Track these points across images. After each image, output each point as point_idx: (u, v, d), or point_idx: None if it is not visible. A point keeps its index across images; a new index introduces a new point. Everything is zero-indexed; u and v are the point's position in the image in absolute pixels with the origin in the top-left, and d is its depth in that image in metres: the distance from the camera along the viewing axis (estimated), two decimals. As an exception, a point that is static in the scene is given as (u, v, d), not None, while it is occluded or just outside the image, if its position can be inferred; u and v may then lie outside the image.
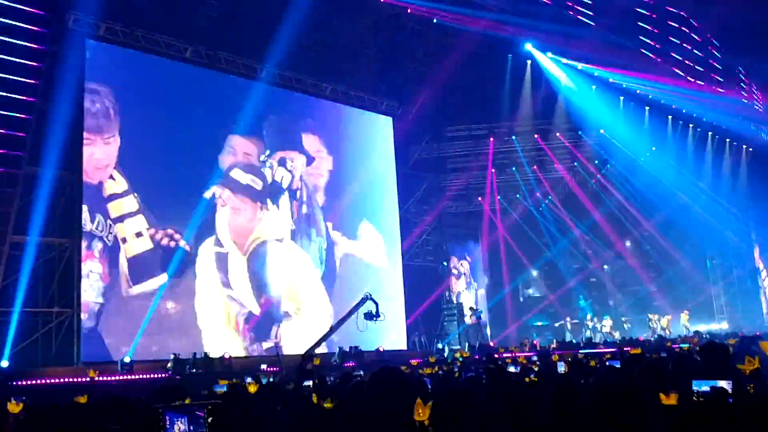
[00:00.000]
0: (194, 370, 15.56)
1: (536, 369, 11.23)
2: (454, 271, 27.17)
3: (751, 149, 33.45)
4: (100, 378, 13.48)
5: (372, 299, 15.09)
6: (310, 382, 10.68)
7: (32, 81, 15.80)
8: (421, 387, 6.51)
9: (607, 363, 11.65)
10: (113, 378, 14.16)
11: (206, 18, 18.90)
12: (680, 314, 27.68)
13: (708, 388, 5.80)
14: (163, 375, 14.98)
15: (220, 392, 10.29)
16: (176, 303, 17.73)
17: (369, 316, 14.83)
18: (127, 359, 15.33)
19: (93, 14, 16.64)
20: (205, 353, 16.54)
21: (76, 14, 16.49)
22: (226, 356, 16.93)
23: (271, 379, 12.33)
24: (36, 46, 16.01)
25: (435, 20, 22.54)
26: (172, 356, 15.73)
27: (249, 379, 12.33)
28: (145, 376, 14.67)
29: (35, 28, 16.04)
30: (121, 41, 17.55)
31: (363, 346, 18.79)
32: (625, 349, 15.87)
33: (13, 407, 6.21)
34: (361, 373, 12.54)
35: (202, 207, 18.37)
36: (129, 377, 14.58)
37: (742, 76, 33.09)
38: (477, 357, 18.01)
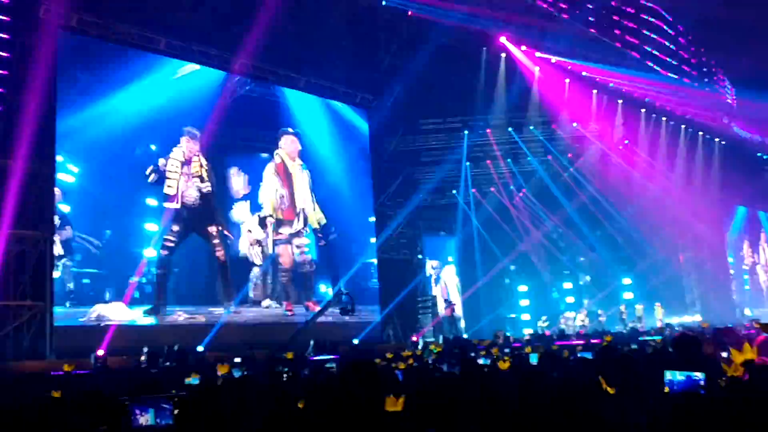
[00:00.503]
0: (168, 364, 15.66)
1: (508, 361, 11.52)
2: (429, 271, 27.46)
3: (723, 142, 34.02)
4: (74, 372, 13.55)
5: (347, 294, 15.33)
6: (284, 376, 10.90)
7: (1, 72, 15.78)
8: (391, 379, 6.73)
9: (579, 354, 12.01)
10: (86, 372, 14.23)
11: (179, 9, 18.89)
12: (653, 306, 28.19)
13: (683, 377, 5.99)
14: (137, 368, 15.08)
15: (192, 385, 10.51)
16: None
17: (344, 311, 15.07)
18: (100, 352, 15.39)
19: (64, 5, 16.61)
20: (179, 346, 16.63)
21: (47, 4, 16.46)
22: (200, 349, 17.06)
23: (245, 373, 12.51)
24: (5, 36, 15.99)
25: (409, 13, 22.72)
26: (145, 349, 15.81)
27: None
28: (118, 370, 14.77)
29: (4, 18, 16.01)
30: (94, 32, 17.55)
31: (337, 340, 18.99)
32: (591, 341, 16.23)
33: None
34: (334, 366, 12.77)
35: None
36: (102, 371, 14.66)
37: (715, 70, 33.66)
38: (451, 349, 18.30)
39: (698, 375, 5.89)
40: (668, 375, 6.03)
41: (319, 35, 22.14)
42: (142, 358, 15.63)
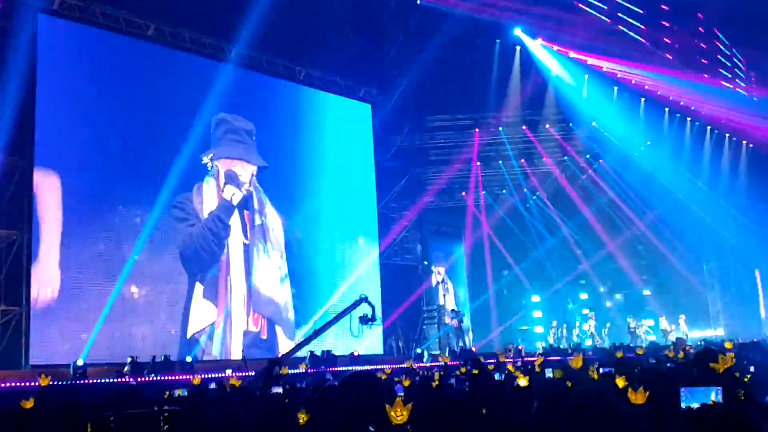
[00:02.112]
0: (153, 375, 15.41)
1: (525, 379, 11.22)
2: (442, 286, 27.22)
3: (751, 145, 33.73)
4: (52, 382, 13.26)
5: (368, 302, 14.95)
6: (280, 389, 10.62)
7: (-22, 59, 15.56)
8: (390, 394, 6.51)
9: (600, 370, 11.68)
10: (64, 383, 13.94)
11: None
12: (678, 319, 27.90)
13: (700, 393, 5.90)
14: (120, 380, 14.80)
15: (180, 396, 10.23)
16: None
17: (364, 319, 14.72)
18: (80, 362, 15.12)
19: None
20: (165, 356, 16.38)
21: (27, -14, 16.25)
22: (188, 360, 16.80)
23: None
24: (-17, 20, 15.78)
25: (418, 1, 22.48)
26: (129, 359, 15.56)
27: (213, 385, 12.26)
28: (99, 381, 14.49)
29: (-18, 1, 15.80)
30: (77, 17, 17.30)
31: (336, 351, 18.71)
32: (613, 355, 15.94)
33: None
34: (331, 378, 12.50)
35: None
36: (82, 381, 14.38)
37: (743, 67, 33.38)
38: (459, 362, 18.01)
39: (716, 390, 5.91)
40: (684, 391, 6.04)
41: (320, 24, 21.94)
42: (126, 368, 15.38)
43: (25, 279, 15.73)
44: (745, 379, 6.15)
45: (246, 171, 20.49)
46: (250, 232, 20.34)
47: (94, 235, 17.09)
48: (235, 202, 20.07)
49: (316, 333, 14.88)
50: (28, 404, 7.65)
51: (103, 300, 16.70)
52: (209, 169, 19.56)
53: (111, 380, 14.62)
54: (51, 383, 12.52)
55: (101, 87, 17.49)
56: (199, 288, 18.85)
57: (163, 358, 16.30)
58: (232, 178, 20.05)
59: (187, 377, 15.20)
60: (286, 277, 21.11)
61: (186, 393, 10.49)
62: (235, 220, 20.08)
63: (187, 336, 18.41)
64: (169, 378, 15.16)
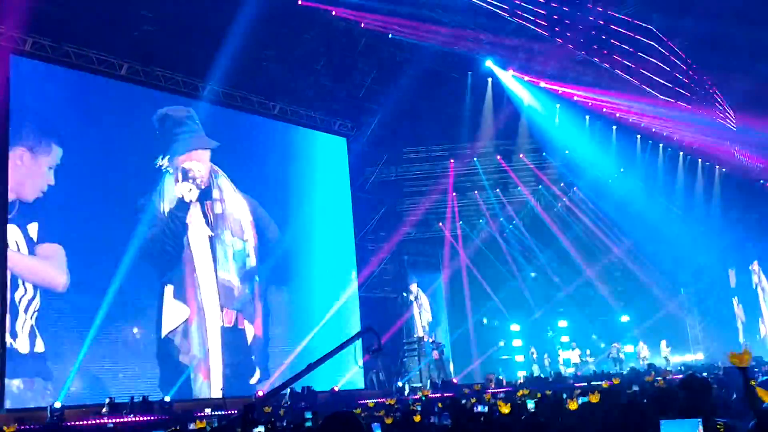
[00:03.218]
0: (132, 416, 15.29)
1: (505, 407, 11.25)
2: (416, 302, 27.22)
3: (724, 170, 34.15)
4: (22, 427, 13.13)
5: (373, 331, 14.87)
6: (262, 428, 10.57)
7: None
8: None
9: (579, 401, 11.75)
10: (38, 426, 13.80)
11: (142, 32, 18.73)
12: (659, 344, 28.05)
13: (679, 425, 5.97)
14: (97, 422, 14.68)
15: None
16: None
17: (370, 350, 14.61)
18: (57, 404, 14.98)
19: (18, 28, 16.42)
20: (143, 397, 16.26)
21: None
22: (166, 399, 16.69)
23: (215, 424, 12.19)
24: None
25: (390, 35, 22.70)
26: (107, 400, 15.45)
27: (192, 425, 12.22)
28: (77, 424, 14.36)
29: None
30: (50, 57, 17.35)
31: (316, 386, 18.64)
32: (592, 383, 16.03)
33: None
34: (310, 416, 12.47)
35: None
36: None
37: (713, 93, 33.86)
38: (440, 395, 18.03)
39: (694, 422, 5.72)
40: (664, 424, 5.90)
41: (294, 59, 22.09)
42: (104, 410, 15.27)
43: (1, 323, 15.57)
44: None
45: (200, 160, 20.32)
46: (213, 222, 20.30)
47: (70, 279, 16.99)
48: (192, 198, 19.91)
49: (310, 368, 14.78)
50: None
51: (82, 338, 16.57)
52: (164, 170, 19.39)
53: (89, 422, 14.52)
54: (25, 427, 12.40)
55: (75, 127, 17.50)
56: (168, 289, 18.85)
57: (141, 398, 16.18)
58: (186, 174, 19.82)
59: (165, 418, 15.18)
60: (253, 269, 21.09)
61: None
62: (197, 214, 19.95)
63: (162, 336, 18.35)
64: (148, 419, 15.08)
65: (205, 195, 20.22)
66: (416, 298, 27.43)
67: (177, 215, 19.46)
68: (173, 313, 18.76)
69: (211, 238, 20.14)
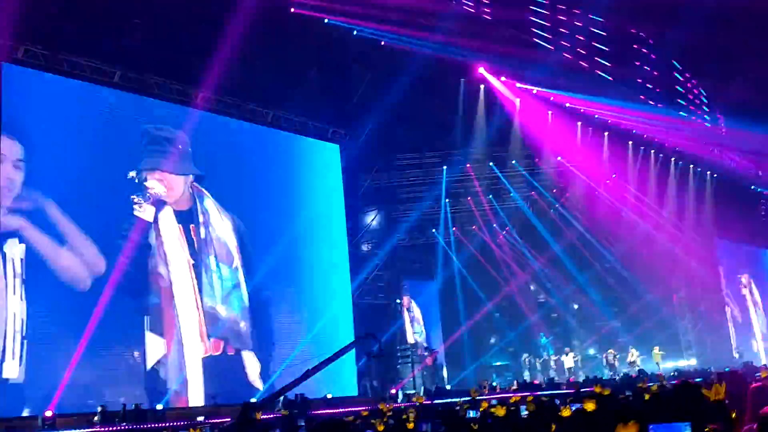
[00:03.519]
0: (124, 425, 15.21)
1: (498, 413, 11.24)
2: (408, 313, 27.18)
3: (715, 175, 34.25)
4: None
5: (374, 337, 14.75)
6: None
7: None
8: None
9: (572, 407, 11.75)
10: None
11: (135, 41, 18.70)
12: (651, 350, 28.05)
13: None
14: (90, 430, 14.60)
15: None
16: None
17: (371, 355, 14.53)
18: (48, 413, 14.89)
19: (9, 36, 16.36)
20: (136, 405, 16.18)
21: (-9, 36, 16.23)
22: (159, 407, 16.61)
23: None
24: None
25: (382, 43, 22.74)
26: (99, 408, 15.36)
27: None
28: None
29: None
30: (42, 65, 17.30)
31: (309, 394, 18.56)
32: (582, 390, 16.02)
33: None
34: (303, 424, 12.43)
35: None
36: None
37: (704, 99, 33.98)
38: (432, 401, 17.98)
39: (685, 426, 5.94)
40: (654, 428, 6.05)
41: (287, 67, 22.07)
42: (96, 418, 15.18)
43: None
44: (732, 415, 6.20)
45: (173, 182, 19.51)
46: (197, 246, 19.61)
47: (58, 285, 16.90)
48: (172, 222, 19.16)
49: (308, 374, 14.69)
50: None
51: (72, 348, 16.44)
52: (137, 183, 18.55)
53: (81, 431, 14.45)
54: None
55: (68, 135, 17.41)
56: (146, 320, 18.16)
57: (134, 406, 16.09)
58: (149, 195, 18.69)
59: (159, 425, 15.12)
60: (241, 292, 20.61)
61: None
62: (175, 239, 19.16)
63: (147, 368, 17.96)
64: (140, 427, 15.01)
65: (188, 218, 19.59)
66: (408, 309, 27.38)
67: (154, 240, 18.72)
68: (153, 345, 18.14)
69: (194, 266, 19.41)
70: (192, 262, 19.42)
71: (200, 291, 19.41)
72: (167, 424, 15.24)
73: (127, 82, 18.94)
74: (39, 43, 17.12)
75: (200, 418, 15.84)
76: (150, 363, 17.99)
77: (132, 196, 18.32)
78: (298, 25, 21.07)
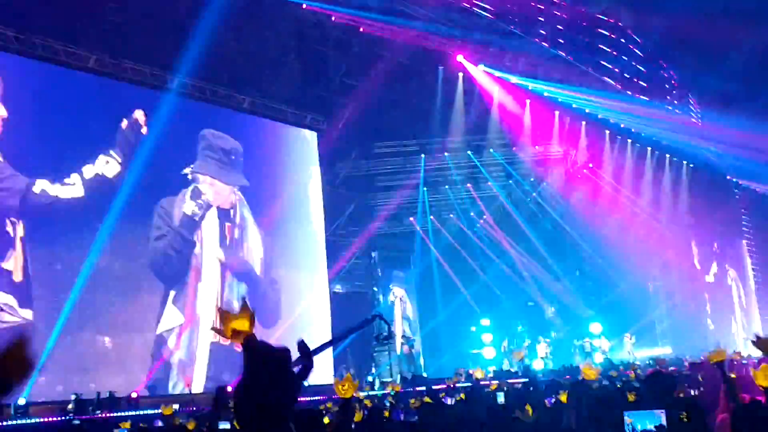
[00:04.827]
0: (98, 412, 15.04)
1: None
2: (391, 297, 27.12)
3: (691, 165, 34.43)
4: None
5: (383, 319, 14.43)
6: (228, 424, 10.39)
7: None
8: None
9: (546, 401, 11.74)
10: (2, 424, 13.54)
11: (110, 25, 18.42)
12: (623, 338, 28.15)
13: (644, 417, 6.06)
14: (62, 418, 14.42)
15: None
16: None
17: (380, 338, 14.21)
18: (21, 401, 14.69)
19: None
20: (110, 393, 16.01)
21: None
22: (133, 396, 16.44)
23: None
24: None
25: (361, 29, 22.59)
26: (73, 396, 15.18)
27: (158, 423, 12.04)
28: (42, 420, 14.09)
29: None
30: (15, 48, 17.01)
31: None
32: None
33: None
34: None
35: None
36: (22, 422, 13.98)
37: (681, 89, 34.15)
38: (410, 390, 17.93)
39: (659, 413, 6.05)
40: (628, 415, 6.20)
41: (265, 53, 21.90)
42: (70, 406, 15.00)
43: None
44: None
45: (220, 188, 20.98)
46: (229, 242, 20.85)
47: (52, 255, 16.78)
48: (197, 217, 20.21)
49: (315, 351, 14.55)
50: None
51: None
52: (189, 179, 20.12)
53: (54, 419, 14.27)
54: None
55: (41, 120, 17.16)
56: (171, 293, 19.14)
57: (108, 394, 15.93)
58: (196, 195, 20.25)
59: (135, 413, 14.95)
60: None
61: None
62: (213, 232, 20.51)
63: (156, 332, 18.62)
64: (114, 415, 14.84)
65: (227, 216, 20.95)
66: (401, 300, 27.34)
67: (180, 232, 19.80)
68: (170, 316, 18.95)
69: (222, 262, 20.69)
70: (223, 259, 20.63)
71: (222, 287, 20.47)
72: (141, 412, 15.08)
73: (102, 67, 18.67)
74: (11, 26, 16.82)
75: (175, 406, 15.69)
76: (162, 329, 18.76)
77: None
78: (277, 9, 20.89)
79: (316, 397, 16.71)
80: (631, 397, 7.87)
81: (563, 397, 8.97)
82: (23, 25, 17.00)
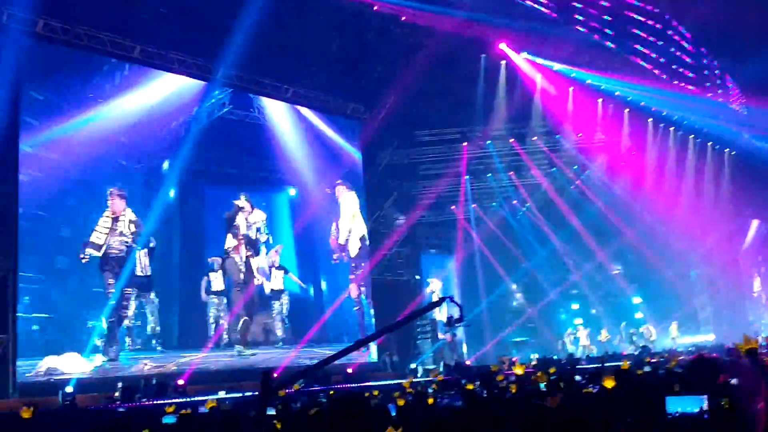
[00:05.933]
0: (145, 400, 14.71)
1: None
2: (428, 289, 26.58)
3: (733, 153, 33.41)
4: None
5: (454, 301, 14.11)
6: (273, 411, 9.99)
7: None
8: (384, 416, 6.09)
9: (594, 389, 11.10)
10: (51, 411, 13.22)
11: (155, 15, 18.01)
12: (669, 326, 27.49)
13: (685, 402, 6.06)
14: (110, 406, 14.10)
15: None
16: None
17: (451, 321, 13.83)
18: (69, 389, 14.41)
19: (29, 10, 15.71)
20: (157, 380, 15.69)
21: (10, 9, 15.59)
22: (180, 383, 16.08)
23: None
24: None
25: (403, 18, 21.93)
26: (119, 385, 14.88)
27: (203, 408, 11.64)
28: (90, 408, 13.80)
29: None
30: (62, 39, 16.65)
31: (330, 367, 18.01)
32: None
33: None
34: (325, 400, 11.96)
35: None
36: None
37: (723, 76, 33.11)
38: (452, 378, 17.41)
39: (702, 398, 5.98)
40: (670, 400, 6.13)
41: (306, 43, 21.36)
42: (116, 394, 14.70)
43: (11, 305, 14.97)
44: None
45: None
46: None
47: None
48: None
49: (379, 333, 14.22)
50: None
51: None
52: None
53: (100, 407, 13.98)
54: (37, 412, 11.77)
55: (87, 108, 16.81)
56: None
57: (154, 381, 15.62)
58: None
59: (182, 400, 14.57)
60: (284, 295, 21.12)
61: (175, 420, 9.92)
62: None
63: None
64: (161, 403, 14.45)
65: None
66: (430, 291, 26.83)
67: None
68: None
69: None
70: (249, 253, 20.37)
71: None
72: (188, 399, 14.69)
73: (147, 57, 18.30)
74: (58, 17, 16.45)
75: (222, 393, 15.30)
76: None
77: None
78: (319, 0, 20.32)
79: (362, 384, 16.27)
80: (675, 387, 7.50)
81: (609, 383, 8.47)
82: (69, 16, 16.62)
